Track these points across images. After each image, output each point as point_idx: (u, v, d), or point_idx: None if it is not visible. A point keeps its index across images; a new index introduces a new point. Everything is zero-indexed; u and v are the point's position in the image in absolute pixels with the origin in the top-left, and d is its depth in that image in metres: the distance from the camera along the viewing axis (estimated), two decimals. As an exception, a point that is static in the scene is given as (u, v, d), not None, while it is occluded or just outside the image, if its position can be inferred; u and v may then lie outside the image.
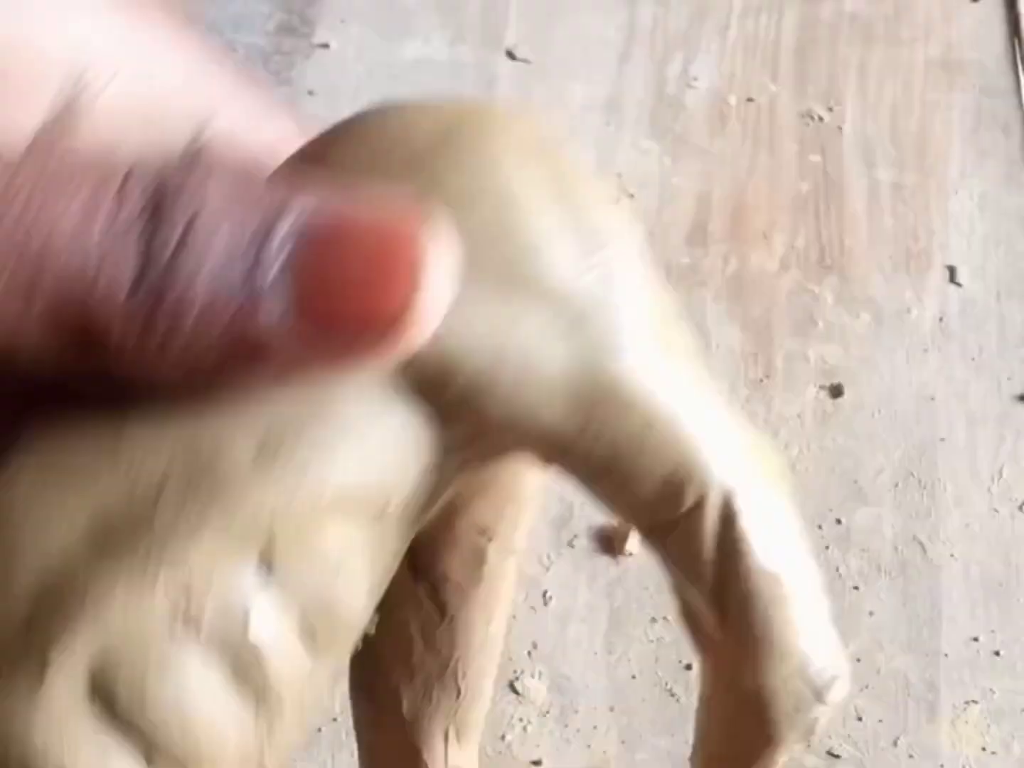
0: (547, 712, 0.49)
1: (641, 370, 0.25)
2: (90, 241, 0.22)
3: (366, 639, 0.26)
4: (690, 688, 0.49)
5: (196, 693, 0.24)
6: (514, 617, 0.49)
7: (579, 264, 0.25)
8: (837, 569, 0.53)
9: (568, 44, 0.69)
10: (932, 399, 0.58)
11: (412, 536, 0.26)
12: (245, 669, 0.24)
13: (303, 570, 0.24)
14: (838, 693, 0.26)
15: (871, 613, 0.52)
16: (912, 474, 0.56)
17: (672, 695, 0.50)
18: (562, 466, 0.25)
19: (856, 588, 0.53)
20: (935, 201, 0.64)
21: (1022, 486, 0.55)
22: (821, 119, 0.67)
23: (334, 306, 0.22)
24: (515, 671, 0.50)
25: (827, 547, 0.53)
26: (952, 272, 0.62)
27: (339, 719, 0.47)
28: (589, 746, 0.49)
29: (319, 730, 0.48)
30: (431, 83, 0.68)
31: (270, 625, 0.24)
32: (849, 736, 0.49)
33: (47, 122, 0.26)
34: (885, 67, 0.69)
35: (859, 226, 0.63)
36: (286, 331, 0.22)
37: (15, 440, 0.24)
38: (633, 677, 0.50)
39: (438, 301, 0.22)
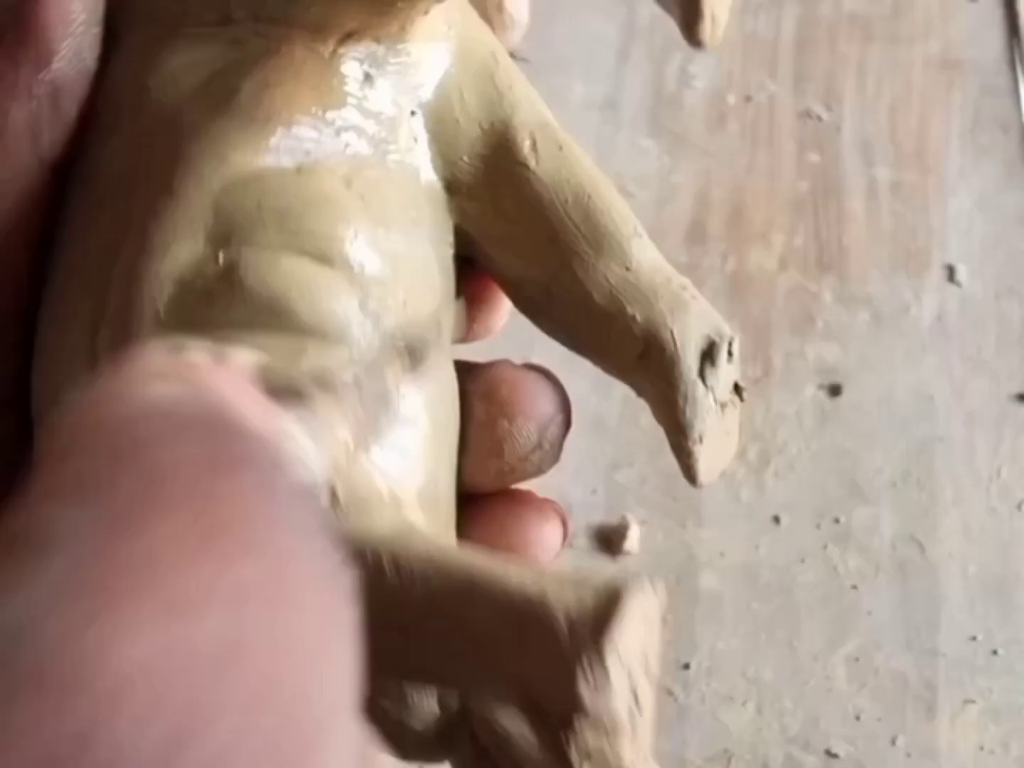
0: (546, 711, 0.49)
1: None
2: None
3: None
4: (688, 688, 0.49)
5: None
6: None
7: None
8: (835, 568, 0.53)
9: (567, 43, 0.69)
10: (931, 398, 0.58)
11: None
12: None
13: None
14: None
15: (869, 612, 0.52)
16: (910, 473, 0.56)
17: (670, 694, 0.50)
18: None
19: (855, 587, 0.53)
20: (934, 200, 0.64)
21: (1020, 485, 0.55)
22: (820, 118, 0.67)
23: None
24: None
25: (825, 546, 0.53)
26: (951, 271, 0.62)
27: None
28: (588, 745, 0.49)
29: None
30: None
31: None
32: (847, 735, 0.49)
33: None
34: (884, 66, 0.69)
35: (858, 225, 0.63)
36: None
37: None
38: (632, 676, 0.50)
39: None
